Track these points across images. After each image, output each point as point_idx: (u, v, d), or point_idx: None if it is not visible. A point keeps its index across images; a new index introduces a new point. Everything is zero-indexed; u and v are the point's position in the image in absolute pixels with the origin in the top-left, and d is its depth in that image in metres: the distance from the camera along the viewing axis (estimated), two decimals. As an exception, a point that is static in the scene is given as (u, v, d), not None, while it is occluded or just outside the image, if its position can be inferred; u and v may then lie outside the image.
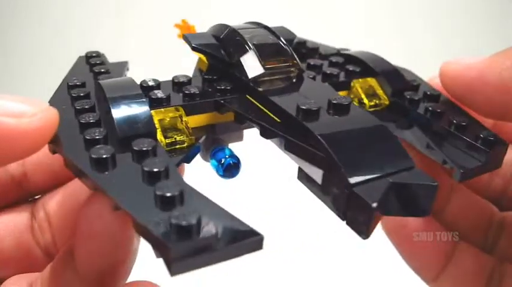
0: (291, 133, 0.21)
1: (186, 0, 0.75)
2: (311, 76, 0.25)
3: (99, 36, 0.72)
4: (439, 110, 0.24)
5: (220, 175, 0.23)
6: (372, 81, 0.27)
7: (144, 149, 0.19)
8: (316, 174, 0.20)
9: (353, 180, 0.18)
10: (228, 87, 0.23)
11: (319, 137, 0.19)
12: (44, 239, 0.23)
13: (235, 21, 0.27)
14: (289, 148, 0.21)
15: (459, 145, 0.23)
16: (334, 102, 0.21)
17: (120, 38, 0.73)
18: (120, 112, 0.20)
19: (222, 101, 0.23)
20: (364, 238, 0.18)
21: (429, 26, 0.80)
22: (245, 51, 0.24)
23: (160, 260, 0.15)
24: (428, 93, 0.26)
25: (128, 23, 0.75)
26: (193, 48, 0.24)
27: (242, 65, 0.23)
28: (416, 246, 0.25)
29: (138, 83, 0.23)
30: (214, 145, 0.24)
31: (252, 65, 0.23)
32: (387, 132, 0.20)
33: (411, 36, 0.78)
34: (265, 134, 0.22)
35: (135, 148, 0.19)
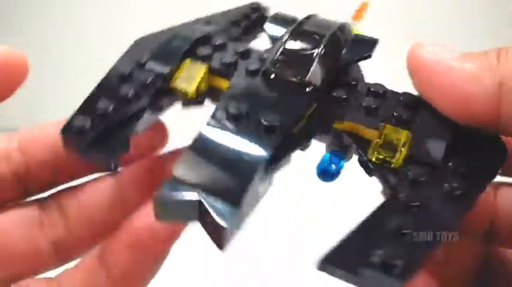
0: None
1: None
2: (344, 96, 0.22)
3: (99, 36, 0.72)
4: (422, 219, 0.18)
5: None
6: (405, 134, 0.21)
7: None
8: None
9: (175, 173, 0.18)
10: (253, 69, 0.23)
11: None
12: (55, 234, 0.23)
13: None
14: None
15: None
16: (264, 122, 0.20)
17: (121, 37, 0.73)
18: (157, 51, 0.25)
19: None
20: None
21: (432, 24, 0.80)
22: (278, 42, 0.24)
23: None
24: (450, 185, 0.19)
25: (129, 22, 0.75)
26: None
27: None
28: None
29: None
30: None
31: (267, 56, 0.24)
32: (252, 164, 0.19)
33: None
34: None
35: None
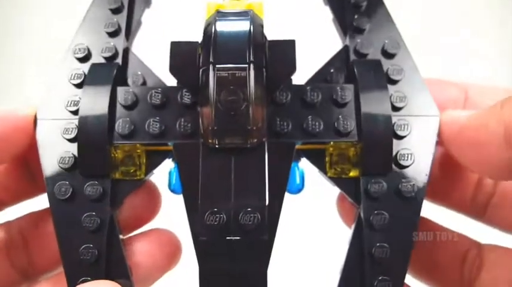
0: None
1: None
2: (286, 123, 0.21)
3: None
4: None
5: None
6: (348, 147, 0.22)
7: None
8: None
9: None
10: (189, 131, 0.21)
11: None
12: (20, 260, 0.24)
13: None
14: None
15: None
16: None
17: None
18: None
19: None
20: None
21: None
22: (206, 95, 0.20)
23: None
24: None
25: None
26: None
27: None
28: None
29: None
30: None
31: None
32: None
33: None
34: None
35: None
